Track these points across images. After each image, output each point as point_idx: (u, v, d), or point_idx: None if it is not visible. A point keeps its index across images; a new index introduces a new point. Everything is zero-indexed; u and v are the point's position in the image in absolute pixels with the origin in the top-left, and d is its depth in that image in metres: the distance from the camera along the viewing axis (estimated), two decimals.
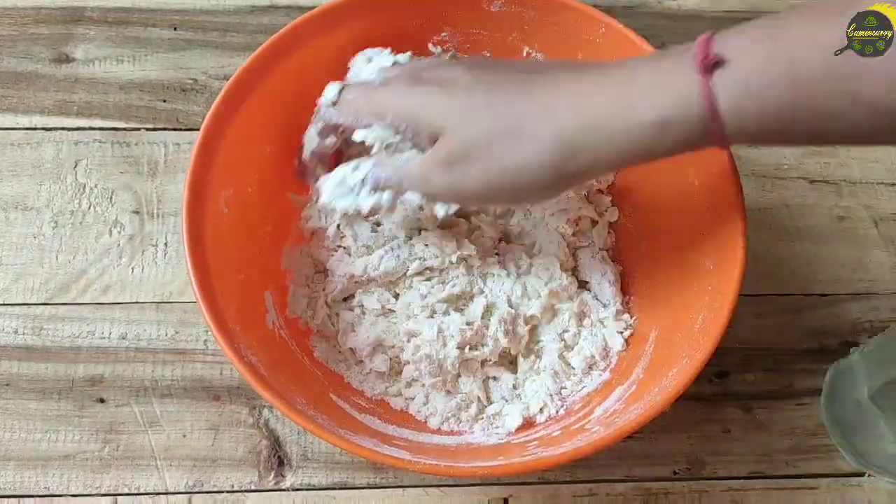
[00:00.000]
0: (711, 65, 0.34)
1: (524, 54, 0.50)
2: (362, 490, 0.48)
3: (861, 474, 0.50)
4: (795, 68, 0.33)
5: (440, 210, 0.42)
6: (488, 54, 0.51)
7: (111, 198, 0.54)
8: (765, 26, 0.34)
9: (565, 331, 0.48)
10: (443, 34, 0.50)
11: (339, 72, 0.47)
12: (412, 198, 0.41)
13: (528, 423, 0.46)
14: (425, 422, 0.46)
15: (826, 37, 0.33)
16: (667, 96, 0.35)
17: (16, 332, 0.50)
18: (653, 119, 0.35)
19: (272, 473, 0.48)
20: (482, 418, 0.46)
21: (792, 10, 0.34)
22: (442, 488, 0.48)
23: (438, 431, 0.46)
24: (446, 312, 0.47)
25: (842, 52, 0.33)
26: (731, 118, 0.34)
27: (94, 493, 0.47)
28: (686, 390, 0.39)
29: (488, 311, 0.47)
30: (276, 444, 0.49)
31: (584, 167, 0.37)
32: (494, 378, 0.48)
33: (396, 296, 0.48)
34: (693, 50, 0.35)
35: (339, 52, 0.47)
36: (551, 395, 0.46)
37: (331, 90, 0.43)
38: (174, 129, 0.56)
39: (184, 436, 0.48)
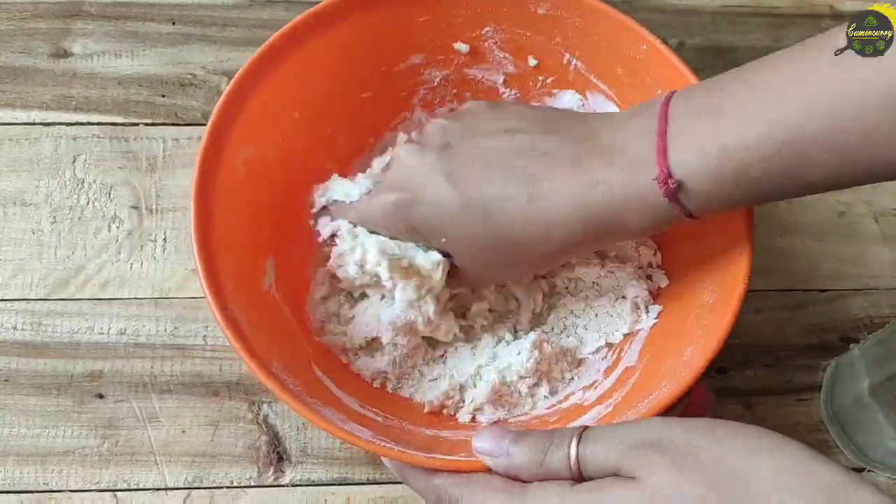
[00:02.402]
0: (674, 190, 0.37)
1: (564, 62, 0.50)
2: (362, 486, 0.48)
3: (861, 470, 0.50)
4: (744, 170, 0.36)
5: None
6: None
7: (110, 193, 0.54)
8: (709, 115, 0.37)
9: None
10: (486, 29, 0.50)
11: (377, 56, 0.48)
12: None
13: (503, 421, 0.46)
14: (420, 405, 0.46)
15: (755, 123, 0.35)
16: (645, 211, 0.39)
17: (14, 327, 0.50)
18: (627, 219, 0.39)
19: (271, 469, 0.48)
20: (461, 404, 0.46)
21: (734, 85, 0.37)
22: None
23: (431, 422, 0.46)
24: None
25: (842, 51, 0.33)
26: (700, 212, 0.39)
27: (93, 488, 0.47)
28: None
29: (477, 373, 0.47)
30: (275, 439, 0.49)
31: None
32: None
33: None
34: (653, 164, 0.37)
35: (379, 36, 0.47)
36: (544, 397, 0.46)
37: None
38: (173, 125, 0.56)
39: (183, 431, 0.48)
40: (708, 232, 0.44)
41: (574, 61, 0.50)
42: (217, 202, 0.42)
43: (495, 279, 0.48)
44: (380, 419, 0.43)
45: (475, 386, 0.46)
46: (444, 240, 0.43)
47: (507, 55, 0.51)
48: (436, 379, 0.47)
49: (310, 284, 0.49)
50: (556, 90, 0.51)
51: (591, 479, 0.33)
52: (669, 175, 0.37)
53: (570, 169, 0.39)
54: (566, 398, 0.46)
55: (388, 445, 0.38)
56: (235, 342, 0.38)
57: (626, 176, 0.38)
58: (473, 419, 0.46)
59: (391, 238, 0.45)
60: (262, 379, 0.38)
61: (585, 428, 0.34)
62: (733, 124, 0.36)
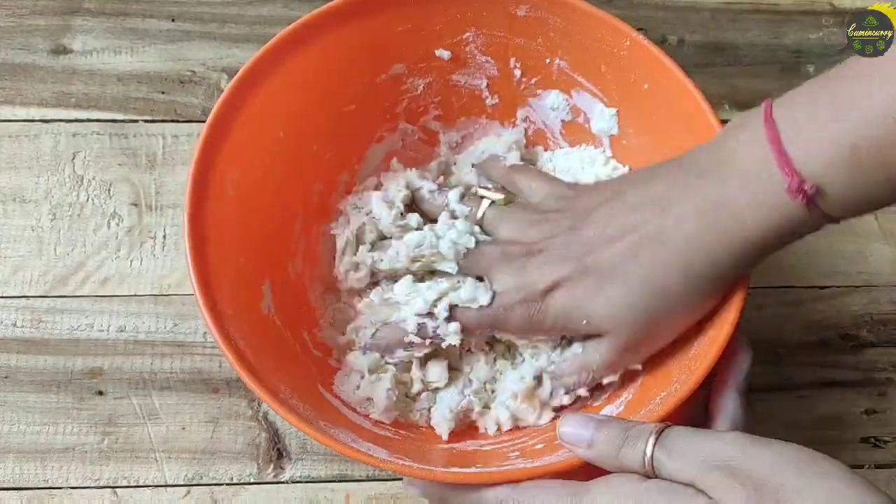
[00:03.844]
0: (811, 196, 0.35)
1: (547, 62, 0.50)
2: (361, 482, 0.48)
3: (861, 466, 0.50)
4: (883, 152, 0.34)
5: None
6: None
7: (109, 190, 0.54)
8: (825, 113, 0.35)
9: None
10: (466, 34, 0.49)
11: (358, 68, 0.47)
12: None
13: (514, 429, 0.45)
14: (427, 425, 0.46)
15: (880, 110, 0.33)
16: (779, 224, 0.37)
17: (14, 324, 0.50)
18: (762, 239, 0.38)
19: (271, 466, 0.48)
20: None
21: (840, 81, 0.35)
22: None
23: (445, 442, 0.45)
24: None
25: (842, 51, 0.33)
26: (842, 215, 0.37)
27: (93, 485, 0.47)
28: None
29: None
30: (275, 436, 0.49)
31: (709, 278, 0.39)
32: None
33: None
34: (778, 175, 0.36)
35: (358, 48, 0.47)
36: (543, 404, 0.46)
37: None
38: (172, 122, 0.56)
39: (183, 428, 0.48)
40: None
41: (557, 61, 0.49)
42: (210, 229, 0.41)
43: (653, 348, 0.43)
44: (394, 436, 0.43)
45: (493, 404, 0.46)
46: (584, 322, 0.41)
47: (488, 59, 0.50)
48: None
49: (315, 312, 0.48)
50: (540, 90, 0.51)
51: (664, 478, 0.33)
52: (802, 181, 0.35)
53: (688, 208, 0.38)
54: (575, 401, 0.46)
55: (407, 463, 0.38)
56: (241, 370, 0.38)
57: (750, 193, 0.37)
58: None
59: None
60: (273, 407, 0.37)
61: (666, 426, 0.34)
62: (857, 115, 0.34)
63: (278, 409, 0.37)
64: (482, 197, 0.47)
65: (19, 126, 0.55)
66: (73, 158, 0.55)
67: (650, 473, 0.33)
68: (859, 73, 0.35)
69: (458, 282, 0.44)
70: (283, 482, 0.48)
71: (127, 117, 0.56)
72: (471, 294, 0.43)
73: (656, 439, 0.33)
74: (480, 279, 0.44)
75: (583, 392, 0.44)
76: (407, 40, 0.48)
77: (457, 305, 0.43)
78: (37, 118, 0.56)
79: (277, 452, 0.48)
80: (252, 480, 0.48)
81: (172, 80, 0.57)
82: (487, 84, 0.52)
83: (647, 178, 0.41)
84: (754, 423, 0.38)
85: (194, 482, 0.47)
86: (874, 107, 0.33)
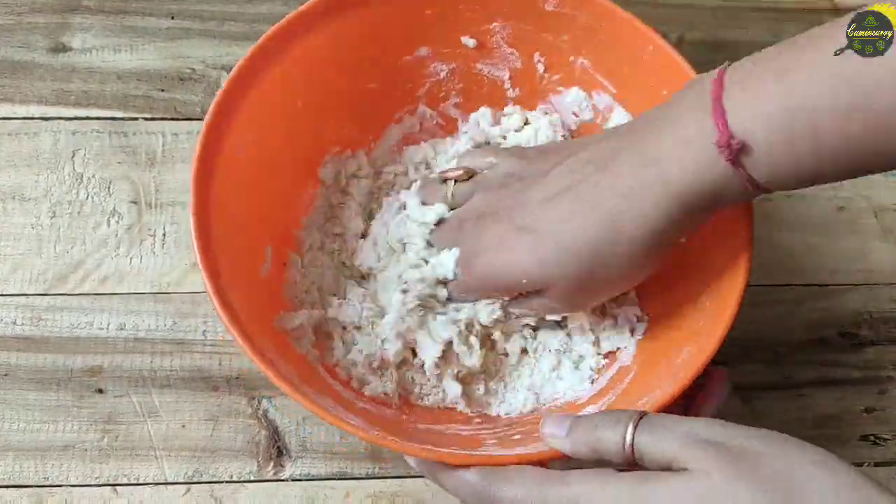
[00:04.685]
0: (736, 152, 0.35)
1: (570, 59, 0.50)
2: (361, 480, 0.48)
3: (860, 464, 0.50)
4: (815, 117, 0.34)
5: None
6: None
7: (109, 188, 0.54)
8: (773, 76, 0.35)
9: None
10: (493, 24, 0.49)
11: (383, 47, 0.48)
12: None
13: (494, 416, 0.46)
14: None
15: (824, 82, 0.33)
16: (703, 179, 0.37)
17: (14, 322, 0.50)
18: (687, 195, 0.37)
19: (271, 464, 0.48)
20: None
21: (798, 49, 0.35)
22: None
23: (433, 417, 0.45)
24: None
25: (842, 51, 0.33)
26: (769, 183, 0.36)
27: (93, 483, 0.47)
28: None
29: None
30: (274, 434, 0.49)
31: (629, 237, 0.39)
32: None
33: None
34: (710, 128, 0.35)
35: (385, 26, 0.47)
36: (529, 391, 0.46)
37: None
38: (172, 119, 0.56)
39: (183, 426, 0.48)
40: (705, 234, 0.43)
41: (581, 60, 0.50)
42: (218, 185, 0.42)
43: (593, 300, 0.45)
44: (375, 412, 0.43)
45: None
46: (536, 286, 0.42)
47: (514, 51, 0.51)
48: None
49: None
50: (562, 87, 0.51)
51: (643, 467, 0.33)
52: (731, 136, 0.35)
53: (624, 161, 0.39)
54: (561, 394, 0.46)
55: (382, 435, 0.38)
56: (232, 327, 0.38)
57: (681, 147, 0.37)
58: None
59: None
60: (258, 364, 0.37)
61: (643, 414, 0.34)
62: (800, 80, 0.34)
63: (263, 366, 0.37)
64: (446, 180, 0.48)
65: (19, 124, 0.55)
66: (73, 156, 0.55)
67: (630, 458, 0.33)
68: (812, 38, 0.35)
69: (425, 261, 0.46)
70: (282, 480, 0.48)
71: (126, 115, 0.56)
72: (443, 267, 0.45)
73: (636, 424, 0.33)
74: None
75: (530, 321, 0.47)
76: (434, 24, 0.49)
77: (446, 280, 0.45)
78: (36, 116, 0.56)
79: (277, 450, 0.48)
80: (252, 478, 0.48)
81: (172, 77, 0.57)
82: (510, 76, 0.52)
83: (599, 139, 0.42)
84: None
85: (194, 480, 0.47)
86: (815, 73, 0.33)
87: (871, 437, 0.52)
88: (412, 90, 0.52)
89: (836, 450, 0.51)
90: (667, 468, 0.32)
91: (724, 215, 0.41)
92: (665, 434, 0.32)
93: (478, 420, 0.46)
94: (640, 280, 0.42)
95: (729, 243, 0.42)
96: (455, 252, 0.45)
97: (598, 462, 0.34)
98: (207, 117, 0.42)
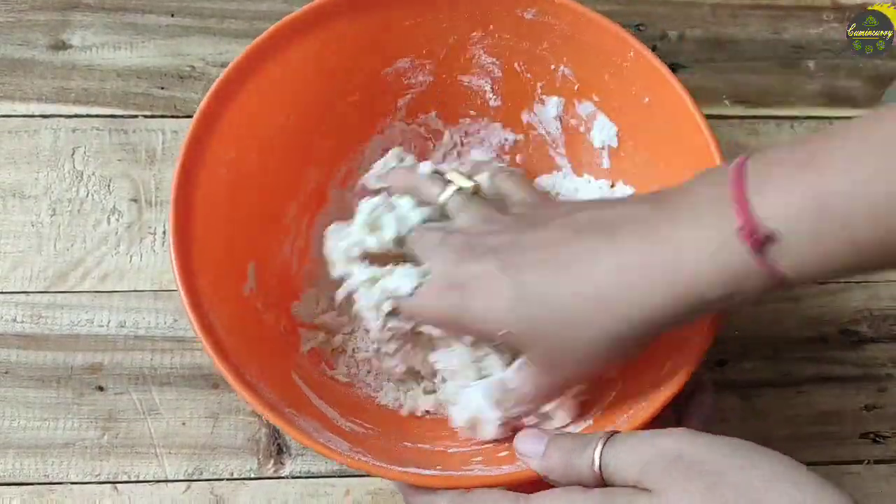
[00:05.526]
0: (762, 242, 0.32)
1: (552, 68, 0.49)
2: (361, 478, 0.48)
3: (860, 462, 0.51)
4: (849, 220, 0.31)
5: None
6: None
7: (109, 185, 0.54)
8: (798, 166, 0.32)
9: None
10: (473, 34, 0.49)
11: (363, 59, 0.47)
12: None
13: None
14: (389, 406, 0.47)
15: (860, 171, 0.31)
16: (723, 276, 0.33)
17: (14, 319, 0.50)
18: (710, 290, 0.34)
19: (271, 461, 0.48)
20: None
21: (824, 140, 0.33)
22: None
23: (416, 435, 0.45)
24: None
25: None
26: (795, 277, 0.33)
27: (93, 480, 0.47)
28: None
29: None
30: (275, 431, 0.49)
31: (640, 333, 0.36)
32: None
33: None
34: (731, 216, 0.33)
35: (365, 38, 0.47)
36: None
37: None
38: (172, 117, 0.56)
39: (183, 423, 0.49)
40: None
41: (562, 68, 0.49)
42: (198, 204, 0.41)
43: (575, 380, 0.41)
44: (361, 430, 0.43)
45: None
46: (510, 341, 0.39)
47: (494, 60, 0.50)
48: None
49: (299, 292, 0.48)
50: (544, 96, 0.51)
51: (613, 486, 0.33)
52: (756, 225, 0.32)
53: (631, 235, 0.35)
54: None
55: (365, 459, 0.37)
56: (210, 347, 0.38)
57: (696, 232, 0.34)
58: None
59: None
60: (235, 387, 0.37)
61: (614, 433, 0.34)
62: (832, 169, 0.31)
63: (239, 388, 0.37)
64: (449, 181, 0.45)
65: (19, 122, 0.55)
66: (73, 154, 0.55)
67: (599, 480, 0.33)
68: (839, 131, 0.33)
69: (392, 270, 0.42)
70: (283, 477, 0.48)
71: (126, 113, 0.56)
72: (396, 283, 0.41)
73: (604, 444, 0.33)
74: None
75: (529, 420, 0.42)
76: (413, 35, 0.48)
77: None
78: (36, 114, 0.56)
79: (277, 448, 0.48)
80: (252, 476, 0.48)
81: (172, 75, 0.57)
82: (492, 86, 0.51)
83: (610, 203, 0.40)
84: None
85: (194, 477, 0.47)
86: (848, 164, 0.31)
87: (871, 435, 0.52)
88: (394, 101, 0.51)
89: (835, 448, 0.52)
90: (634, 487, 0.32)
91: None
92: (629, 454, 0.32)
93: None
94: (622, 363, 0.40)
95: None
96: (422, 271, 0.41)
97: (571, 483, 0.34)
98: (187, 135, 0.42)
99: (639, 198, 0.40)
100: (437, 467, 0.39)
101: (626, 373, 0.44)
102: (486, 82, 0.51)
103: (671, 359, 0.40)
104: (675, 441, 0.32)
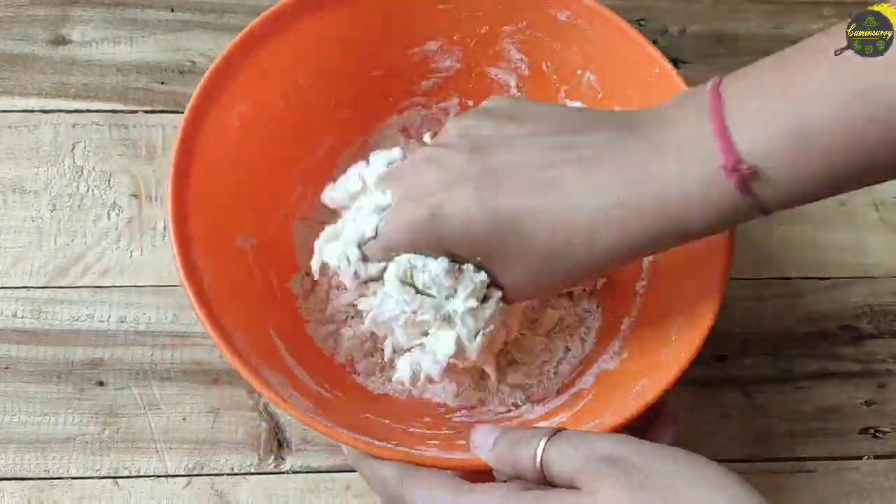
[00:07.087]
0: (747, 178, 0.33)
1: (578, 73, 0.49)
2: None
3: (860, 457, 0.51)
4: (827, 145, 0.32)
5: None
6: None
7: (109, 181, 0.54)
8: (777, 94, 0.33)
9: None
10: (505, 27, 0.49)
11: (392, 36, 0.48)
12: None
13: (445, 409, 0.45)
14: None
15: (838, 96, 0.32)
16: (708, 210, 0.35)
17: (14, 315, 0.50)
18: (695, 224, 0.35)
19: (272, 456, 0.48)
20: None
21: (799, 64, 0.34)
22: None
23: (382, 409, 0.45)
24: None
25: (842, 52, 0.33)
26: (775, 204, 0.35)
27: (94, 475, 0.47)
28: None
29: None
30: (275, 427, 0.49)
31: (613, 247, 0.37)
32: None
33: None
34: (715, 152, 0.33)
35: (397, 15, 0.47)
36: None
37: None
38: (172, 112, 0.56)
39: (183, 419, 0.49)
40: (681, 266, 0.43)
41: (588, 74, 0.49)
42: (204, 147, 0.41)
43: (543, 295, 0.44)
44: (328, 396, 0.43)
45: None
46: (478, 258, 0.39)
47: (522, 57, 0.50)
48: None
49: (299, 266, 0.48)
50: (567, 101, 0.50)
51: (552, 483, 0.33)
52: (738, 161, 0.33)
53: (613, 170, 0.36)
54: (513, 407, 0.46)
55: (320, 419, 0.37)
56: (189, 287, 0.38)
57: (681, 168, 0.34)
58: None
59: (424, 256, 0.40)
60: (208, 329, 0.37)
61: (560, 430, 0.34)
62: (810, 98, 0.32)
63: (212, 331, 0.38)
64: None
65: (18, 117, 0.55)
66: (73, 149, 0.55)
67: (540, 476, 0.33)
68: (813, 52, 0.33)
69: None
70: (283, 472, 0.48)
71: (126, 108, 0.56)
72: (357, 228, 0.40)
73: (548, 440, 0.33)
74: None
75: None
76: (446, 20, 0.48)
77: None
78: (36, 109, 0.55)
79: (278, 443, 0.49)
80: (253, 471, 0.48)
81: (172, 70, 0.57)
82: (517, 82, 0.51)
83: (586, 125, 0.38)
84: None
85: (195, 472, 0.48)
86: (825, 90, 0.32)
87: (871, 430, 0.52)
88: (417, 83, 0.51)
89: (835, 443, 0.52)
90: (570, 486, 0.32)
91: (703, 247, 0.40)
92: (570, 452, 0.32)
93: (430, 419, 0.45)
94: (602, 276, 0.44)
95: (706, 274, 0.41)
96: (379, 207, 0.39)
97: (516, 477, 0.34)
98: (206, 75, 0.42)
99: (614, 118, 0.39)
100: (393, 442, 0.38)
101: (600, 386, 0.44)
102: (512, 77, 0.51)
103: (645, 379, 0.41)
104: (615, 444, 0.32)
